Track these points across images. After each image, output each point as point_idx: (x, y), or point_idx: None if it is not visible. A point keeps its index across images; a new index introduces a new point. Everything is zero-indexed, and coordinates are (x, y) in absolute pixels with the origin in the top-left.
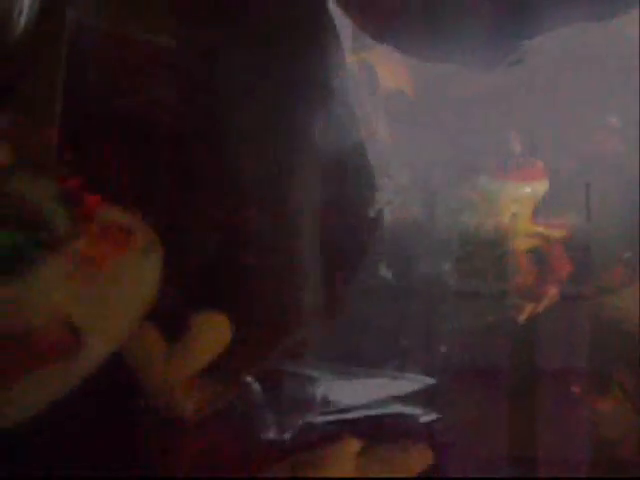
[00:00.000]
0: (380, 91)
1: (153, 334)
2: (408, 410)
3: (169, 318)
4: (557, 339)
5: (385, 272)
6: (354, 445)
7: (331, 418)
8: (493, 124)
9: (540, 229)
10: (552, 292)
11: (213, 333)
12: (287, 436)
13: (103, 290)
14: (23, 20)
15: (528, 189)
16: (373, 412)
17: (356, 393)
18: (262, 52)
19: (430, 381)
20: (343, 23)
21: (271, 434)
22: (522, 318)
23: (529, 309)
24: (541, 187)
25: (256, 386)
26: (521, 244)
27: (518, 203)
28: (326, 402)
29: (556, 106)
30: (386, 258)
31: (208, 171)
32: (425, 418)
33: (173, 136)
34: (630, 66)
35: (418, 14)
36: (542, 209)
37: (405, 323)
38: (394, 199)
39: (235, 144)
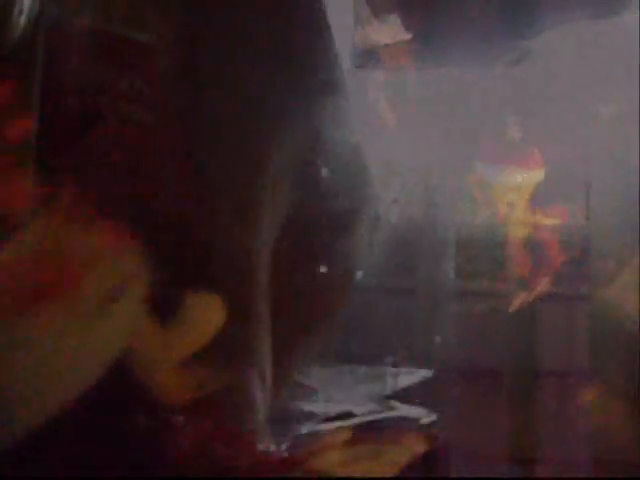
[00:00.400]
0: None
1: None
2: (408, 412)
3: (162, 300)
4: (556, 335)
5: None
6: (344, 434)
7: (333, 425)
8: (492, 109)
9: (536, 218)
10: (545, 281)
11: (206, 314)
12: (283, 447)
13: None
14: (23, 20)
15: (524, 177)
16: (374, 417)
17: (356, 393)
18: (247, 47)
19: (428, 374)
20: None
21: (267, 445)
22: (514, 307)
23: (521, 298)
24: (537, 176)
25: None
26: (517, 233)
27: (514, 192)
28: (326, 412)
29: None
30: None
31: (188, 164)
32: (426, 420)
33: (155, 131)
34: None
35: (415, 13)
36: (538, 197)
37: (404, 320)
38: (400, 197)
39: (217, 138)
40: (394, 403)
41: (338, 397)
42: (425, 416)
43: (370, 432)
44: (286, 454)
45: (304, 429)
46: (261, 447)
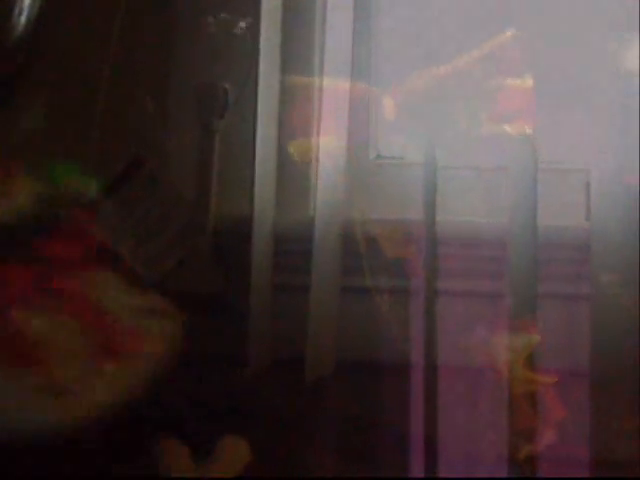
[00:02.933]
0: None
1: (182, 452)
2: None
3: (197, 440)
4: (557, 338)
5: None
6: None
7: None
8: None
9: (534, 376)
10: (548, 434)
11: (235, 455)
12: None
13: None
14: (23, 20)
15: (521, 340)
16: None
17: None
18: None
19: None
20: None
21: None
22: (520, 457)
23: (526, 450)
24: (533, 339)
25: None
26: (518, 388)
27: (512, 352)
28: None
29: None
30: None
31: None
32: None
33: None
34: None
35: None
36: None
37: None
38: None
39: None
40: None
41: None
42: None
43: None
44: None
45: None
46: None
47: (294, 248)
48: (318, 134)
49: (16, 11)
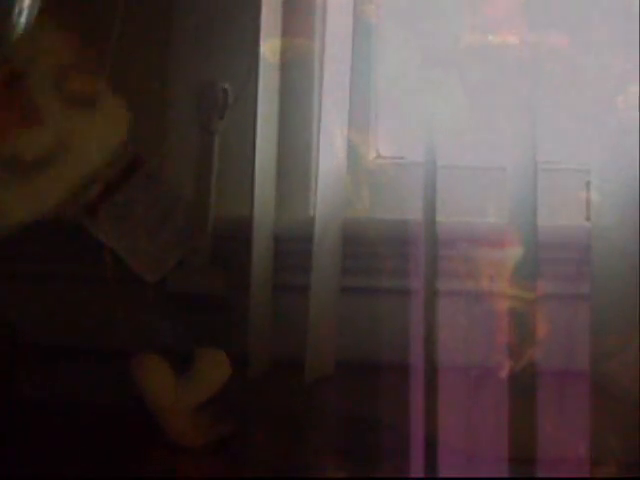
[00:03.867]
0: None
1: (162, 366)
2: None
3: (176, 354)
4: (557, 338)
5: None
6: None
7: None
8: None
9: (516, 291)
10: (530, 351)
11: (216, 368)
12: None
13: None
14: (23, 20)
15: (502, 254)
16: None
17: None
18: None
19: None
20: None
21: None
22: (503, 374)
23: (509, 366)
24: (514, 252)
25: None
26: (501, 304)
27: (494, 267)
28: None
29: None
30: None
31: None
32: None
33: None
34: None
35: None
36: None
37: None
38: None
39: None
40: None
41: None
42: None
43: None
44: None
45: None
46: None
47: (294, 248)
48: (318, 134)
49: (16, 11)
